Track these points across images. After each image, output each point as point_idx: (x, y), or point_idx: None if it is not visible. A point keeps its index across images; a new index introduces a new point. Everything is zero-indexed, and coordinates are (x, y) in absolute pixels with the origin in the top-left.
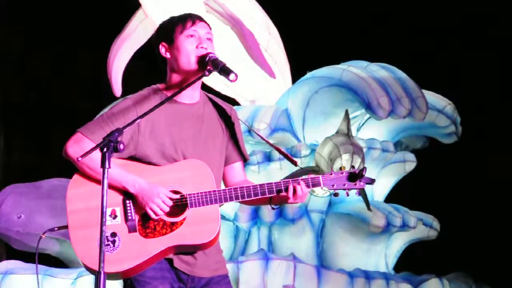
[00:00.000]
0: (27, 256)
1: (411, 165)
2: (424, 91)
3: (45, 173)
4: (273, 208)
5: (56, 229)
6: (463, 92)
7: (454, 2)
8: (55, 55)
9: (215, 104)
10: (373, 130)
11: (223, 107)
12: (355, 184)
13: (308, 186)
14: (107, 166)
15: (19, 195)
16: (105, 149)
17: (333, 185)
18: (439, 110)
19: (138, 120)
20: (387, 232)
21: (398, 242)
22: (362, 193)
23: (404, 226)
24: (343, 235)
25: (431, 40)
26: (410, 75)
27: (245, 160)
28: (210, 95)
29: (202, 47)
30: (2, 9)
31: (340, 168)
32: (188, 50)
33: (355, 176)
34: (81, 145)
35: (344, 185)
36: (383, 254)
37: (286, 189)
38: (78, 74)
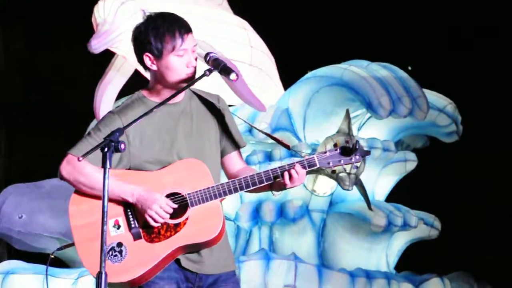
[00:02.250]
0: (29, 256)
1: (412, 164)
2: (424, 90)
3: (46, 173)
4: (274, 195)
5: (63, 247)
6: (464, 91)
7: (454, 1)
8: (56, 55)
9: (202, 99)
10: (374, 130)
11: (210, 100)
12: (351, 159)
13: (304, 167)
14: (107, 166)
15: (21, 195)
16: (106, 149)
17: (329, 163)
18: (440, 109)
19: (134, 124)
20: (388, 231)
21: (399, 242)
22: (363, 192)
23: (405, 226)
24: (344, 235)
25: (432, 39)
26: (411, 74)
27: (241, 146)
28: (195, 89)
29: (192, 66)
30: (2, 9)
31: (335, 145)
32: (178, 69)
33: (350, 150)
34: (73, 165)
35: (340, 161)
36: (384, 254)
37: (283, 175)
38: (79, 75)
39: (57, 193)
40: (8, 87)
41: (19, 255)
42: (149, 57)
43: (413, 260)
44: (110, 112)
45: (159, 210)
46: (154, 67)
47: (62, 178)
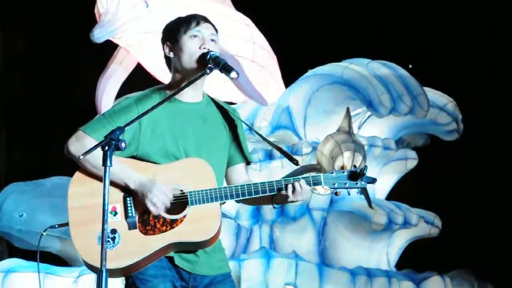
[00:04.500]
0: (29, 254)
1: (412, 163)
2: (425, 88)
3: (46, 172)
4: (274, 207)
5: (57, 226)
6: (465, 89)
7: (454, 0)
8: (56, 55)
9: (218, 106)
10: (375, 128)
11: (226, 109)
12: (357, 183)
13: (309, 184)
14: (108, 164)
15: (21, 194)
16: (106, 148)
17: (334, 184)
18: (440, 108)
19: (139, 119)
20: (389, 229)
21: (400, 240)
22: (363, 190)
23: (406, 224)
24: (344, 233)
25: (432, 38)
26: (411, 72)
27: (248, 162)
28: (213, 97)
29: (205, 48)
30: (2, 9)
31: (342, 167)
32: (191, 50)
33: (356, 175)
34: (83, 143)
35: (345, 184)
36: (384, 252)
37: (287, 187)
38: (79, 74)
39: (57, 191)
40: (8, 87)
41: (20, 253)
42: (168, 45)
43: (413, 258)
44: (129, 97)
45: (161, 196)
46: (172, 54)
47: (69, 153)
